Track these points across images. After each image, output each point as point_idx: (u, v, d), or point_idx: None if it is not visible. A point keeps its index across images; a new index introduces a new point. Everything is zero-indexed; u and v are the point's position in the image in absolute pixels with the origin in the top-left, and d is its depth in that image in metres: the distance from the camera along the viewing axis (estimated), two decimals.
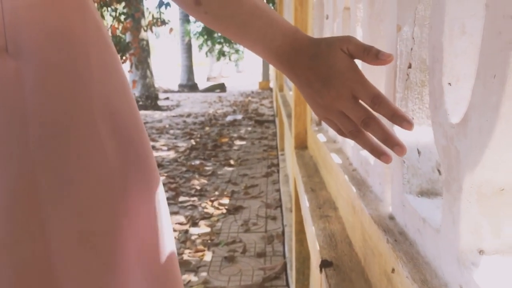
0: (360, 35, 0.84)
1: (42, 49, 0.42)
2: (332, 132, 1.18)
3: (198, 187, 3.36)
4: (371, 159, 0.72)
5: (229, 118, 7.05)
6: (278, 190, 3.21)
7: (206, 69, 20.21)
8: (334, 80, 0.47)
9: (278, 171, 3.70)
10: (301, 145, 1.53)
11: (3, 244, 0.40)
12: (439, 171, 0.54)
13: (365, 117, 0.47)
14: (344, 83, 0.47)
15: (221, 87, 12.99)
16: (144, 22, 8.19)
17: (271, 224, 2.62)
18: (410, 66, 0.57)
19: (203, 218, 2.73)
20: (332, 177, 0.98)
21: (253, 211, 2.86)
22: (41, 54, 0.42)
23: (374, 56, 0.47)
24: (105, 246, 0.43)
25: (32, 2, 0.42)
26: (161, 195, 0.52)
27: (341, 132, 0.52)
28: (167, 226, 0.52)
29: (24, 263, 0.40)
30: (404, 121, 0.45)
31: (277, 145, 4.54)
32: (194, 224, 2.64)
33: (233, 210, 2.86)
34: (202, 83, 14.51)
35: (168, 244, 0.52)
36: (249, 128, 6.12)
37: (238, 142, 5.15)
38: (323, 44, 0.49)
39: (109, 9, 7.32)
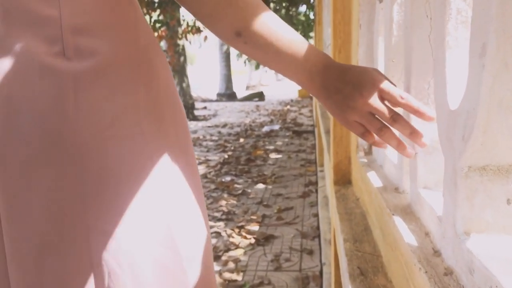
0: (451, 12, 0.44)
1: (100, 53, 0.44)
2: (389, 169, 0.78)
3: (226, 209, 3.00)
4: (485, 258, 0.32)
5: (266, 128, 6.68)
6: (316, 215, 2.79)
7: (245, 77, 20.05)
8: (365, 82, 0.52)
9: (316, 191, 3.28)
10: (343, 180, 1.13)
11: (51, 242, 0.43)
12: None
13: (393, 114, 0.52)
14: (374, 84, 0.52)
15: (260, 96, 12.69)
16: (180, 30, 8.03)
17: (306, 261, 2.21)
18: None
19: (228, 250, 2.36)
20: (396, 259, 0.58)
21: (286, 241, 2.46)
22: (99, 57, 0.44)
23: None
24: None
25: (91, 6, 0.44)
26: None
27: (366, 135, 0.54)
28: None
29: (71, 264, 0.44)
30: (427, 113, 0.50)
31: (316, 159, 4.12)
32: (217, 257, 2.28)
33: (263, 240, 2.47)
34: (241, 92, 14.27)
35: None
36: (286, 140, 5.72)
37: (273, 156, 4.77)
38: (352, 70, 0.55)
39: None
